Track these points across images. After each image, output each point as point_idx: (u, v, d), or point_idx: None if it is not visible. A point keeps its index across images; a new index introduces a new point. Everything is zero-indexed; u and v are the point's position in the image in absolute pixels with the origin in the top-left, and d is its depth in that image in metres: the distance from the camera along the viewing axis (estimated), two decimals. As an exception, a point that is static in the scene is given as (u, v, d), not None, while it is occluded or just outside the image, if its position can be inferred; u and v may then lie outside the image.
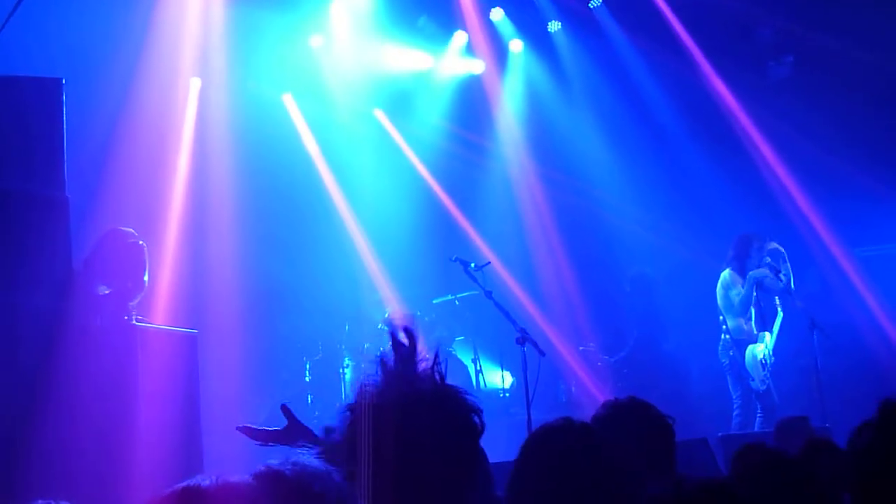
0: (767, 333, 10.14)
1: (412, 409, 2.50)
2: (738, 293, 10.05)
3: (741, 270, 10.16)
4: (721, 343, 10.21)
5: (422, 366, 2.57)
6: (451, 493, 2.54)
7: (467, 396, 2.59)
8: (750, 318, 10.15)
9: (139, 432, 5.97)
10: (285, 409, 2.88)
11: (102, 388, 5.99)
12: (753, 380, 9.93)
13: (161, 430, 6.15)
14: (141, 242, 6.87)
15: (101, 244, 6.83)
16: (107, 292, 6.64)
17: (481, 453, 2.98)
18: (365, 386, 2.56)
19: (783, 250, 10.15)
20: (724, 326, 10.19)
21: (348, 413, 2.59)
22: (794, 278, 10.11)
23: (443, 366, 2.59)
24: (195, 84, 11.57)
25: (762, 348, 10.00)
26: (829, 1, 11.52)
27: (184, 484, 2.67)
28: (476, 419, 2.56)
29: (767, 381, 9.93)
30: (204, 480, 2.68)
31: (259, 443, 3.55)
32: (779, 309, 10.17)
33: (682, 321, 11.87)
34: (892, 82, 11.60)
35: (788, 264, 10.11)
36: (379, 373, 2.56)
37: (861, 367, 10.81)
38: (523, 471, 3.11)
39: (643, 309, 11.88)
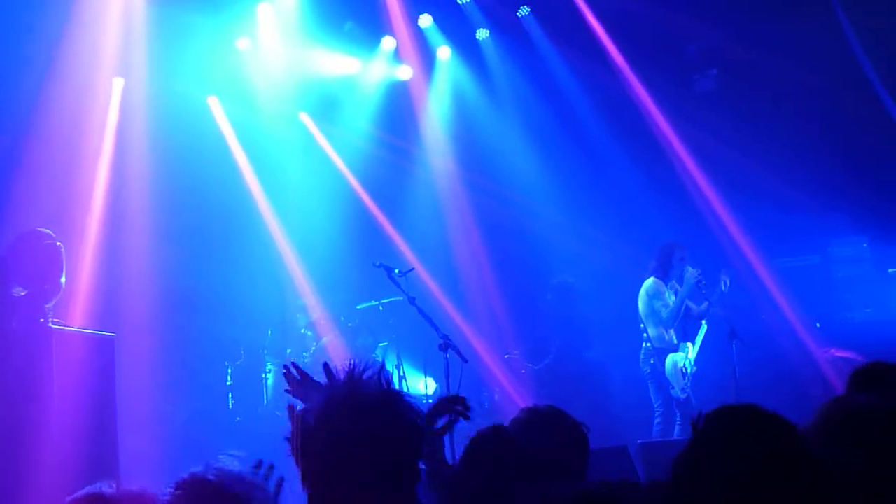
0: (689, 344, 10.24)
1: (359, 411, 2.68)
2: (663, 304, 10.15)
3: (664, 279, 10.27)
4: (642, 351, 10.29)
5: (368, 373, 2.76)
6: (396, 490, 2.71)
7: (411, 400, 2.78)
8: (672, 327, 10.25)
9: (51, 435, 5.86)
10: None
11: (15, 391, 5.87)
12: (673, 388, 10.02)
13: (74, 433, 6.04)
14: (58, 244, 6.75)
15: (17, 245, 6.71)
16: (22, 294, 6.51)
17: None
18: (315, 391, 2.87)
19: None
20: (645, 335, 10.28)
21: (296, 417, 2.80)
22: (714, 288, 10.25)
23: (387, 373, 2.81)
24: (118, 84, 11.40)
25: (682, 357, 10.10)
26: (753, 16, 11.69)
27: (87, 490, 2.64)
28: (420, 421, 2.77)
29: (688, 390, 10.03)
30: (107, 487, 2.65)
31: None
32: (703, 321, 10.29)
33: (606, 329, 11.94)
34: (814, 96, 11.82)
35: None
36: (327, 379, 2.80)
37: (778, 376, 10.96)
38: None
39: (565, 317, 11.93)
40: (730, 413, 2.68)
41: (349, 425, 2.68)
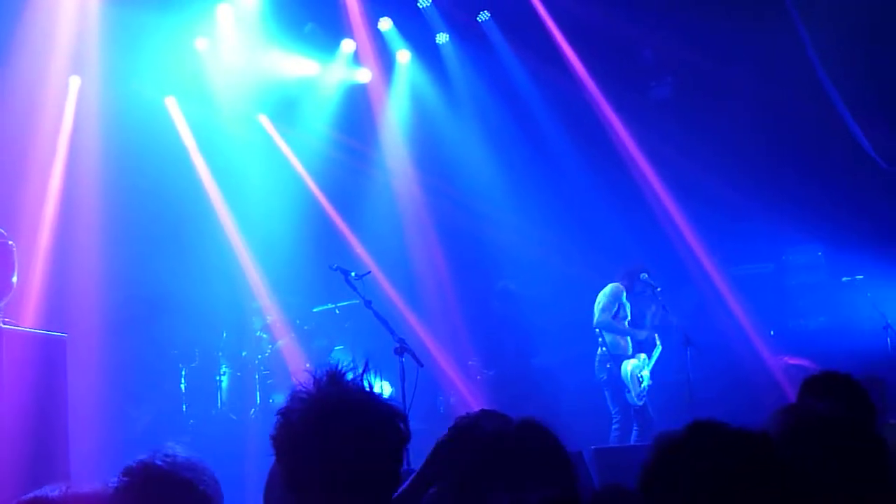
0: (643, 355, 10.29)
1: (345, 412, 2.72)
2: (611, 308, 10.21)
3: (626, 287, 10.31)
4: (597, 358, 10.32)
5: (349, 376, 2.81)
6: (377, 492, 2.75)
7: (392, 404, 2.84)
8: (626, 335, 10.29)
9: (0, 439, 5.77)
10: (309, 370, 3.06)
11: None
12: (630, 392, 10.06)
13: (22, 434, 5.94)
14: (10, 243, 6.65)
15: (-33, 243, 6.59)
16: (-28, 293, 6.41)
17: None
18: (297, 392, 2.78)
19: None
20: (600, 339, 10.32)
21: (280, 417, 2.78)
22: (669, 297, 10.32)
23: (369, 377, 2.86)
24: (74, 82, 11.28)
25: (637, 364, 10.14)
26: (710, 26, 11.77)
27: (33, 494, 2.61)
28: (401, 424, 2.81)
29: (644, 397, 10.07)
30: (53, 490, 2.62)
31: None
32: (658, 342, 10.32)
33: (561, 335, 11.96)
34: (770, 105, 11.93)
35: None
36: (310, 381, 2.78)
37: (732, 382, 11.06)
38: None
39: (509, 323, 11.98)
40: (701, 424, 2.67)
41: (335, 426, 2.71)
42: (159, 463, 2.83)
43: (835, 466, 2.87)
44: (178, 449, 2.94)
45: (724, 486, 2.44)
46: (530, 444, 3.31)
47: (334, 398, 2.76)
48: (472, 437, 3.33)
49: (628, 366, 10.12)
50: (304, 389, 2.79)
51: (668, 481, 2.52)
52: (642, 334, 10.28)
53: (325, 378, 2.80)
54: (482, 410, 3.47)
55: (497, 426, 3.36)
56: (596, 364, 10.32)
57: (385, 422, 2.79)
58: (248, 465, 7.98)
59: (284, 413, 2.80)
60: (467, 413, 3.49)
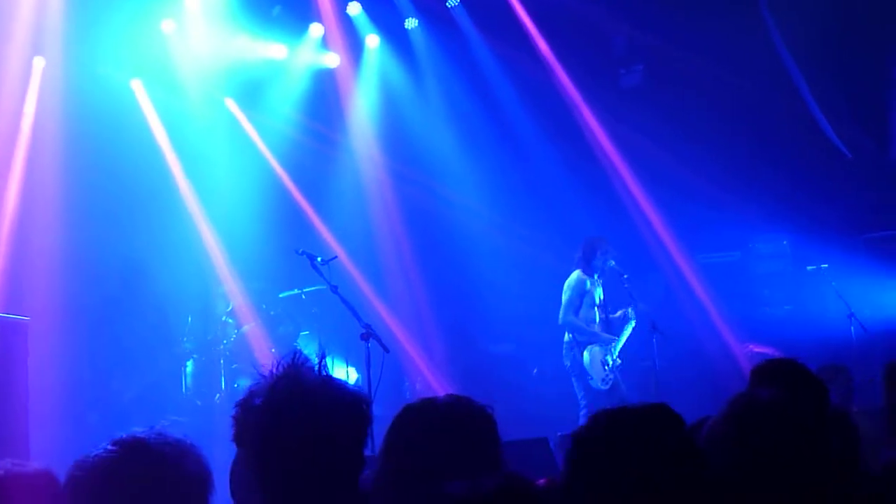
0: (612, 337, 10.32)
1: (302, 395, 2.73)
2: (577, 298, 10.25)
3: (587, 271, 10.34)
4: (564, 345, 10.36)
5: (308, 363, 2.83)
6: (338, 475, 2.75)
7: (353, 387, 2.86)
8: (594, 321, 10.31)
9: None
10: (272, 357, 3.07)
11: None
12: (592, 378, 10.09)
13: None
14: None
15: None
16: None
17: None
18: (256, 381, 2.80)
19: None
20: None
21: (239, 408, 2.81)
22: (636, 284, 10.36)
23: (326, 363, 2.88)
24: (38, 63, 11.15)
25: (601, 349, 10.17)
26: (679, 13, 11.80)
27: None
28: (363, 407, 2.82)
29: (611, 380, 10.10)
30: None
31: None
32: (631, 317, 10.34)
33: (530, 322, 11.99)
34: (738, 95, 11.97)
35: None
36: (269, 371, 2.80)
37: (698, 370, 11.13)
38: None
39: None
40: (614, 413, 2.77)
41: (292, 413, 2.71)
42: (144, 436, 2.83)
43: (773, 450, 2.89)
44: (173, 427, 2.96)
45: (631, 467, 2.54)
46: (457, 421, 3.28)
47: (294, 386, 2.76)
48: (416, 417, 3.31)
49: (591, 352, 10.15)
50: (263, 378, 2.80)
51: (582, 476, 2.62)
52: (604, 336, 10.29)
53: (284, 366, 2.81)
54: (447, 395, 3.44)
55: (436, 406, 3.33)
56: (563, 351, 10.37)
57: (346, 406, 2.79)
58: (215, 450, 7.94)
59: (243, 403, 2.81)
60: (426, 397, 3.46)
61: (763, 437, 2.91)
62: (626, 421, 2.69)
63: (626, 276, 10.24)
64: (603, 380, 10.09)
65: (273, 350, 10.44)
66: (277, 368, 2.80)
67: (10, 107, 10.77)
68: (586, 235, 10.56)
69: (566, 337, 10.34)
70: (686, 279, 12.02)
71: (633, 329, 10.30)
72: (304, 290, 11.30)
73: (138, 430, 2.86)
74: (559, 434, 7.85)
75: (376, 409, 7.95)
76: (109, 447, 2.77)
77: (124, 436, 2.83)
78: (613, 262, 10.29)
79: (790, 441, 2.92)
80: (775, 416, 2.97)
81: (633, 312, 10.27)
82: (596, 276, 10.37)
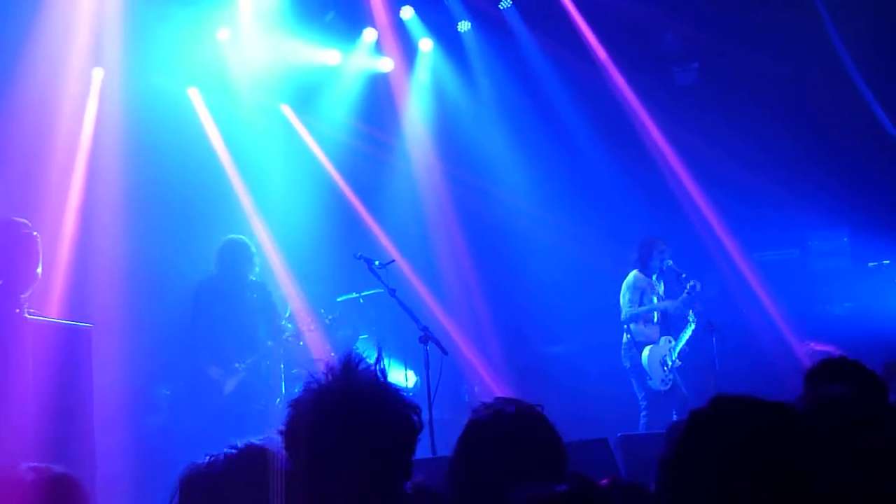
0: (671, 338, 10.27)
1: (353, 402, 2.71)
2: (636, 299, 10.22)
3: (645, 271, 10.32)
4: (623, 346, 10.34)
5: (363, 365, 2.79)
6: (385, 483, 2.73)
7: (405, 394, 2.82)
8: (652, 321, 10.28)
9: (24, 427, 5.81)
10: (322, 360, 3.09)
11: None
12: (651, 379, 10.05)
13: (49, 425, 5.98)
14: (35, 233, 6.69)
15: (-9, 234, 6.64)
16: (-2, 284, 6.45)
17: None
18: (309, 382, 2.78)
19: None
20: (625, 327, 10.31)
21: (289, 409, 2.80)
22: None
23: (383, 366, 2.83)
24: (97, 74, 11.32)
25: (659, 349, 10.13)
26: (732, 8, 11.72)
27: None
28: (414, 416, 2.79)
29: (670, 381, 10.06)
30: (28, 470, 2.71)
31: None
32: (691, 319, 10.27)
33: (585, 323, 11.95)
34: (793, 90, 11.86)
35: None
36: (324, 372, 2.78)
37: (758, 369, 11.02)
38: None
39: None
40: (723, 397, 2.63)
41: (342, 417, 2.70)
42: (270, 448, 2.89)
43: (846, 446, 2.83)
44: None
45: (752, 451, 2.40)
46: (524, 430, 3.27)
47: (345, 389, 2.75)
48: (481, 425, 3.29)
49: (650, 352, 10.12)
50: (315, 380, 2.79)
51: (696, 455, 2.48)
52: (669, 305, 10.23)
53: (336, 368, 2.79)
54: (497, 398, 3.43)
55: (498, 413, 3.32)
56: (622, 352, 10.36)
57: (396, 413, 2.78)
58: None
59: (294, 404, 2.81)
60: (483, 403, 3.44)
61: (838, 435, 2.86)
62: (750, 413, 2.58)
63: (684, 276, 10.20)
64: (662, 380, 10.05)
65: (332, 354, 10.50)
66: (330, 371, 2.79)
67: (72, 118, 10.93)
68: (642, 235, 10.53)
69: (624, 338, 10.33)
70: (743, 277, 11.92)
71: (693, 330, 10.25)
72: (362, 294, 11.36)
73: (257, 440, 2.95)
74: (619, 435, 7.81)
75: (435, 412, 8.00)
76: (229, 451, 2.86)
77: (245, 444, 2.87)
78: (671, 262, 10.25)
79: (862, 439, 2.88)
80: (848, 414, 2.93)
81: (692, 315, 10.22)
82: (654, 277, 10.33)
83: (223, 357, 9.88)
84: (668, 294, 10.43)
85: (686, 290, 10.16)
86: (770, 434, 2.45)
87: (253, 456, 2.87)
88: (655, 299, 10.32)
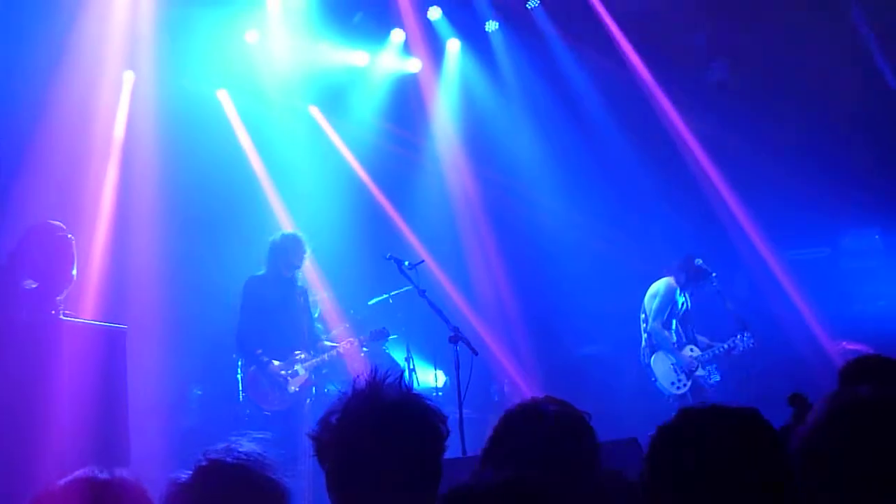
0: (695, 347, 10.22)
1: (380, 412, 2.81)
2: (664, 307, 10.20)
3: (681, 286, 10.25)
4: (642, 347, 10.37)
5: (388, 379, 2.89)
6: (415, 492, 2.79)
7: (431, 404, 2.91)
8: (670, 327, 10.25)
9: (60, 428, 5.87)
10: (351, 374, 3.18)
11: (24, 382, 5.88)
12: (658, 380, 10.07)
13: (84, 425, 6.04)
14: (70, 236, 6.76)
15: (27, 237, 6.71)
16: (33, 286, 6.52)
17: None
18: (340, 395, 2.89)
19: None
20: (644, 325, 10.33)
21: (317, 427, 2.90)
22: (723, 282, 10.27)
23: (408, 379, 2.87)
24: (129, 77, 11.41)
25: (678, 357, 10.08)
26: (765, 6, 11.67)
27: (80, 472, 2.69)
28: (441, 424, 2.87)
29: (685, 385, 10.02)
30: (101, 472, 2.71)
31: None
32: (739, 345, 10.14)
33: (613, 323, 11.92)
34: (824, 87, 11.78)
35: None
36: (351, 387, 2.89)
37: (788, 367, 10.97)
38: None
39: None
40: (687, 410, 2.76)
41: (370, 427, 2.79)
42: (229, 461, 2.90)
43: (870, 446, 2.82)
44: (245, 444, 3.02)
45: (717, 463, 2.51)
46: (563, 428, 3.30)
47: (371, 404, 2.83)
48: (524, 421, 3.32)
49: (661, 356, 10.12)
50: (346, 392, 2.90)
51: (665, 472, 2.61)
52: (688, 353, 10.18)
53: (363, 384, 2.89)
54: (546, 396, 3.47)
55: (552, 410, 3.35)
56: (641, 352, 10.39)
57: (423, 427, 2.85)
58: (303, 455, 8.06)
59: (322, 421, 2.89)
60: (529, 398, 3.48)
61: (876, 435, 2.84)
62: (714, 420, 2.66)
63: (714, 274, 10.15)
64: (673, 384, 10.04)
65: (362, 354, 10.53)
66: (357, 385, 2.89)
67: (104, 121, 11.02)
68: (692, 254, 10.36)
69: (644, 336, 10.34)
70: (775, 277, 11.87)
71: (723, 327, 10.22)
72: (392, 295, 11.40)
73: (214, 453, 2.94)
74: (649, 434, 7.81)
75: (466, 412, 7.99)
76: (191, 474, 2.87)
77: (204, 461, 2.90)
78: (700, 260, 10.21)
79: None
80: (886, 414, 2.90)
81: (741, 340, 10.08)
82: (687, 294, 10.29)
83: (281, 350, 9.85)
84: (695, 300, 10.35)
85: (726, 346, 10.08)
86: (734, 444, 2.55)
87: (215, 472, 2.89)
88: (675, 321, 10.25)
